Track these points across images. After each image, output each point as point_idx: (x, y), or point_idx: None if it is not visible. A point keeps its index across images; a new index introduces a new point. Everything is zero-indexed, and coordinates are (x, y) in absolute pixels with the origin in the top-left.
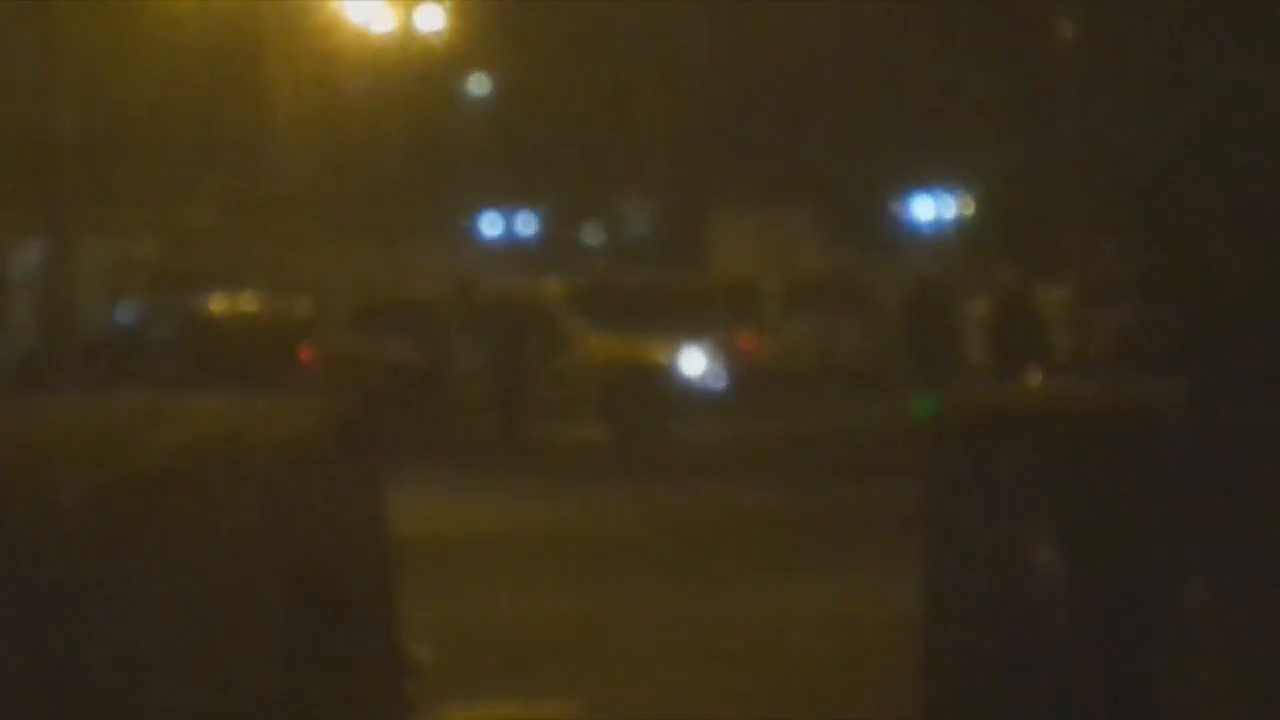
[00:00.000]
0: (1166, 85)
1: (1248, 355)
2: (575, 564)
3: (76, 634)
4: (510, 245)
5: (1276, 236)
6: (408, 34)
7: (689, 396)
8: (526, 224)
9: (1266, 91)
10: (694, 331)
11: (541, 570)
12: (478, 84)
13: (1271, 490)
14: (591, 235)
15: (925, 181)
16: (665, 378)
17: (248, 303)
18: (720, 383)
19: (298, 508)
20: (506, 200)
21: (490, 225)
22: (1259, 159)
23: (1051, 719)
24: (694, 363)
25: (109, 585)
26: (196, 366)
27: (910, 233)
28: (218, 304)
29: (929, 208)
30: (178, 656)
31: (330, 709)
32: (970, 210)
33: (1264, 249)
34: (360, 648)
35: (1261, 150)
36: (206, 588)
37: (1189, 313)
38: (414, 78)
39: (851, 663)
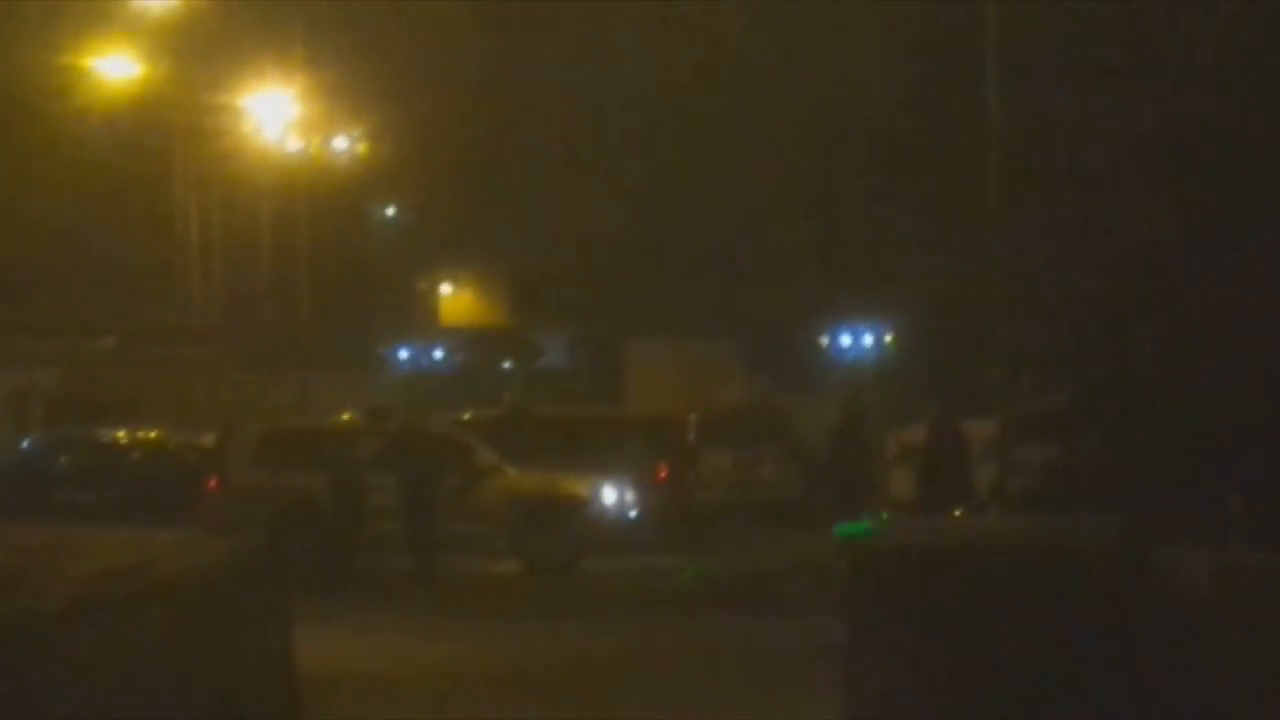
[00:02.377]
0: (1096, 214)
1: (1172, 494)
2: (485, 703)
3: None
4: (424, 375)
5: (1202, 374)
6: (318, 158)
7: (604, 530)
8: (440, 354)
9: (1191, 224)
10: (610, 464)
11: (450, 710)
12: (388, 210)
13: (1193, 625)
14: (507, 366)
15: (846, 315)
16: (580, 511)
17: (152, 433)
18: (636, 516)
19: (203, 643)
20: (422, 331)
21: (404, 355)
22: (1191, 293)
23: None
24: (610, 496)
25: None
26: (98, 498)
27: (831, 365)
28: (121, 435)
29: (849, 341)
30: None
31: None
32: (891, 343)
33: (1190, 385)
34: None
35: (1194, 284)
36: None
37: (1113, 449)
38: (324, 202)
39: None
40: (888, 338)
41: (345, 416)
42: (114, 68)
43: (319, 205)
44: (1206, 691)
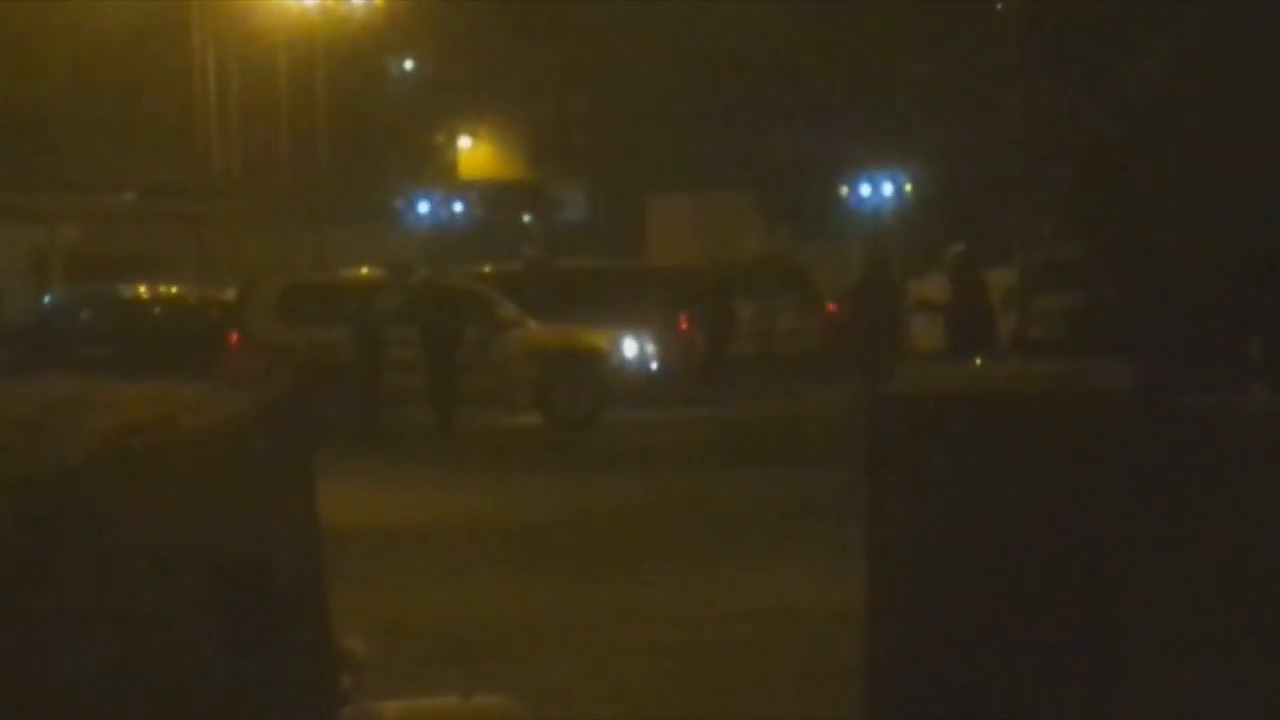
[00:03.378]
0: (1109, 61)
1: (1193, 338)
2: (511, 555)
3: None
4: (443, 230)
5: (1222, 217)
6: (335, 11)
7: (626, 382)
8: (460, 208)
9: (1211, 69)
10: (631, 316)
11: (476, 562)
12: (406, 63)
13: (1218, 472)
14: (527, 220)
15: (865, 165)
16: (602, 363)
17: (172, 288)
18: (658, 368)
19: (226, 497)
20: (439, 184)
21: (423, 209)
22: (1205, 137)
23: (1000, 715)
24: (631, 348)
25: (30, 577)
26: (120, 353)
27: (850, 216)
28: (142, 290)
29: (869, 191)
30: (103, 651)
31: (263, 701)
32: (910, 193)
33: (1210, 230)
34: (293, 640)
35: (1207, 128)
36: (132, 579)
37: (1134, 295)
38: (342, 55)
39: (795, 655)
40: (907, 187)
41: (364, 270)
42: None
43: (336, 59)
44: (1233, 539)
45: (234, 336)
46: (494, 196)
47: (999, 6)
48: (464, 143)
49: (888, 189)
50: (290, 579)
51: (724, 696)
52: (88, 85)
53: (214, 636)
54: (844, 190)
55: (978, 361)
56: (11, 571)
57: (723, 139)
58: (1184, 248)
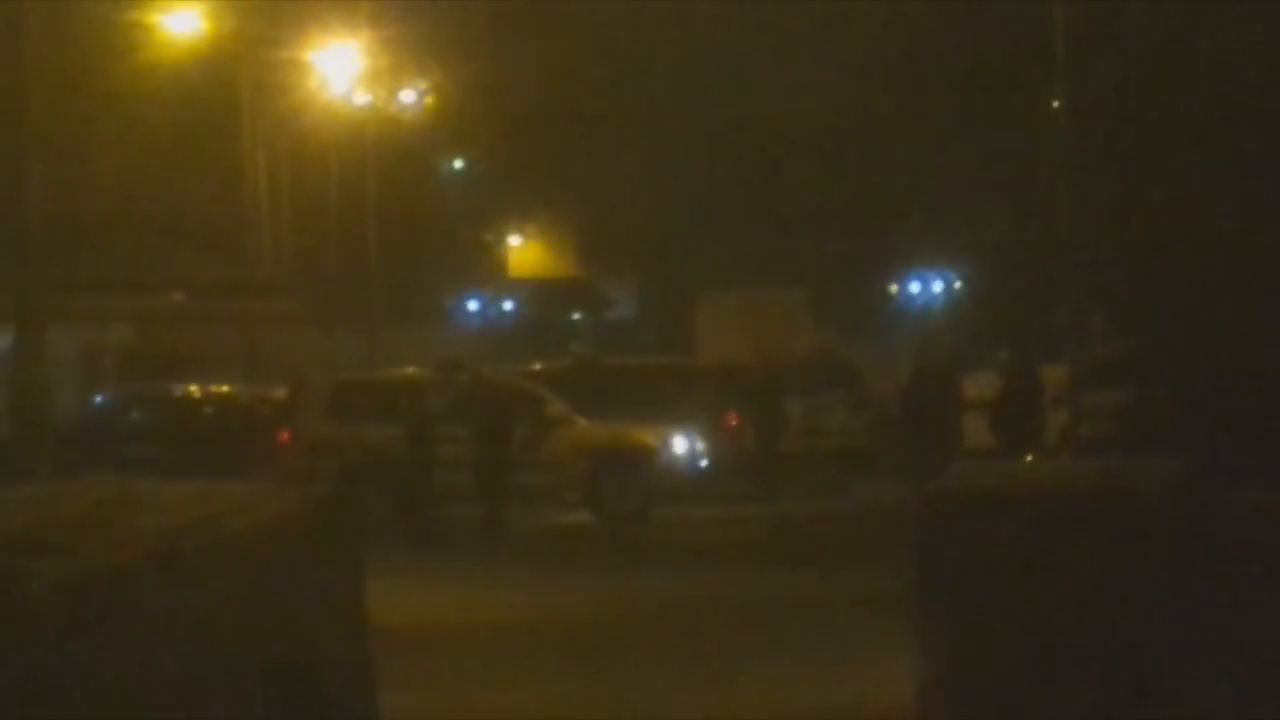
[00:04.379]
0: (1161, 159)
1: (1247, 435)
2: (559, 654)
3: None
4: (493, 328)
5: (1273, 315)
6: (385, 111)
7: (675, 480)
8: (509, 306)
9: (1252, 160)
10: (680, 414)
11: (524, 661)
12: (456, 163)
13: (1268, 569)
14: (576, 318)
15: (915, 263)
16: (651, 461)
17: (223, 388)
18: (707, 465)
19: (275, 595)
20: (489, 283)
21: (473, 307)
22: (1252, 232)
23: None
24: (680, 446)
25: (80, 675)
26: (171, 453)
27: (900, 313)
28: (192, 389)
29: (918, 288)
30: None
31: None
32: (960, 290)
33: (1261, 328)
34: None
35: (1253, 223)
36: (181, 676)
37: (1186, 393)
38: (392, 155)
39: None
40: (956, 284)
41: (413, 369)
42: (180, 23)
43: (386, 159)
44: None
45: (284, 435)
46: (543, 294)
47: (1054, 105)
48: (513, 240)
49: (937, 286)
50: (339, 678)
51: None
52: (139, 187)
53: None
54: (893, 288)
55: (1028, 459)
56: (61, 670)
57: (771, 237)
58: (1239, 345)
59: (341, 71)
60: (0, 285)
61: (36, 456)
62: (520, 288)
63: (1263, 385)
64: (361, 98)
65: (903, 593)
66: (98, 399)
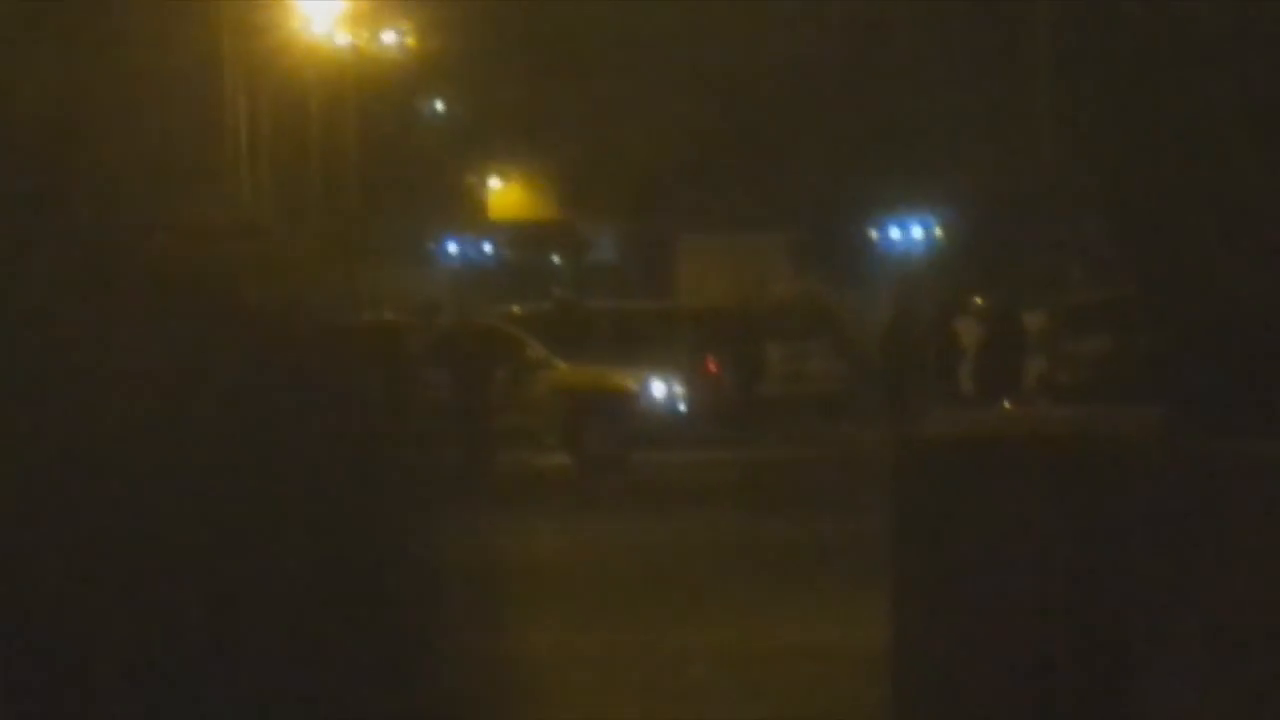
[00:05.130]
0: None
1: (1228, 386)
2: (540, 597)
3: None
4: (473, 270)
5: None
6: (366, 52)
7: (655, 423)
8: (489, 249)
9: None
10: (660, 357)
11: (507, 604)
12: (437, 104)
13: (1244, 518)
14: (556, 261)
15: (896, 207)
16: (632, 404)
17: None
18: (686, 409)
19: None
20: (469, 225)
21: (453, 250)
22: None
23: None
24: (659, 390)
25: None
26: None
27: (880, 259)
28: None
29: (899, 234)
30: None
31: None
32: (941, 236)
33: (1242, 272)
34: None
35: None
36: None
37: (1166, 340)
38: (373, 96)
39: (818, 696)
40: (937, 230)
41: (390, 315)
42: None
43: (367, 100)
44: (1255, 586)
45: None
46: (523, 237)
47: (1033, 45)
48: (494, 183)
49: (918, 232)
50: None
51: None
52: (115, 129)
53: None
54: (874, 233)
55: (1005, 405)
56: None
57: (752, 180)
58: (1226, 291)
59: (323, 11)
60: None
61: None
62: (500, 230)
63: (1250, 332)
64: (343, 38)
65: (880, 537)
66: None
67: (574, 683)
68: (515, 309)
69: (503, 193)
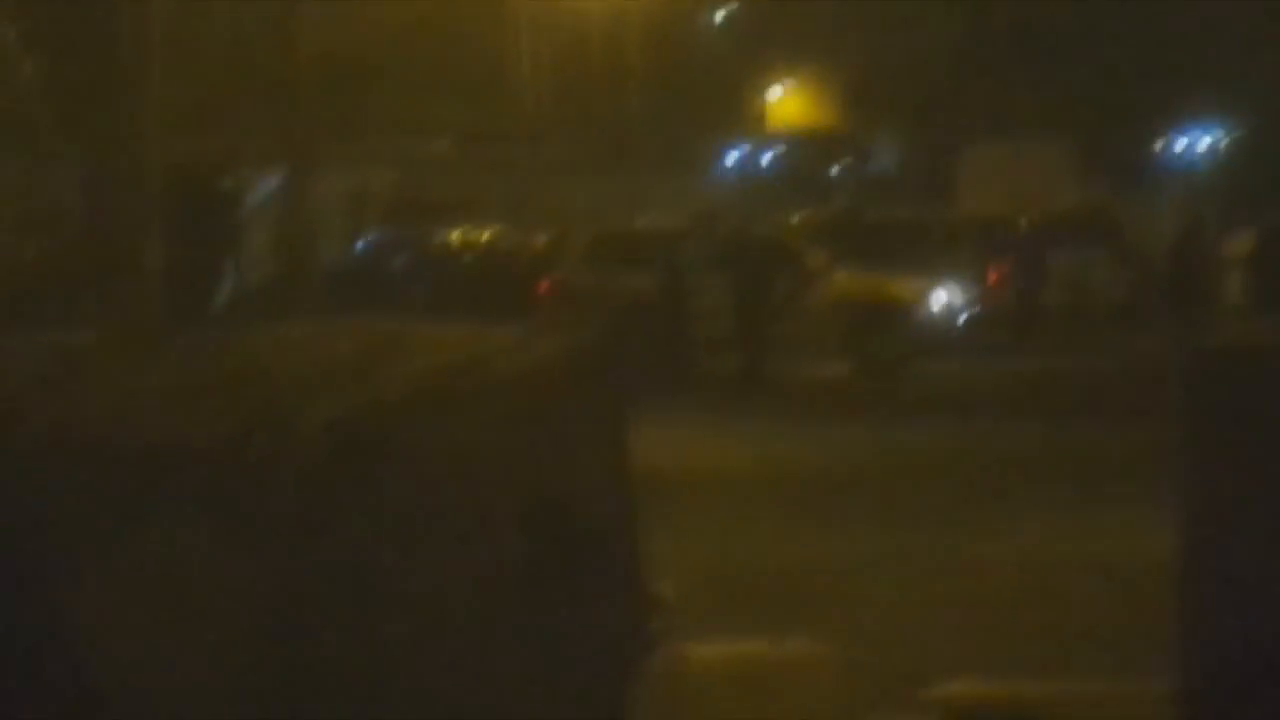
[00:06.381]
0: None
1: None
2: (818, 503)
3: (313, 563)
4: (752, 179)
5: None
6: None
7: (935, 333)
8: (769, 158)
9: None
10: (942, 267)
11: (784, 509)
12: (719, 12)
13: None
14: (837, 170)
15: (1184, 116)
16: (911, 314)
17: (485, 235)
18: (968, 319)
19: (540, 440)
20: (751, 133)
21: (733, 158)
22: None
23: None
24: (940, 299)
25: (348, 515)
26: (433, 298)
27: (1167, 168)
28: (455, 235)
29: (1188, 143)
30: (417, 588)
31: (571, 644)
32: (1232, 146)
33: None
34: (603, 583)
35: None
36: (445, 519)
37: None
38: (657, 2)
39: (1110, 609)
40: (1225, 140)
41: (673, 219)
42: None
43: (650, 6)
44: None
45: (544, 284)
46: (803, 146)
47: None
48: (774, 92)
49: (1205, 141)
50: (600, 522)
51: (1032, 646)
52: (403, 33)
53: (524, 579)
54: (1160, 143)
55: None
56: (330, 509)
57: (1037, 87)
58: None
59: None
60: (267, 127)
61: (301, 297)
62: (780, 139)
63: None
64: None
65: (1169, 449)
66: (359, 244)
67: (856, 589)
68: (795, 218)
69: (783, 102)
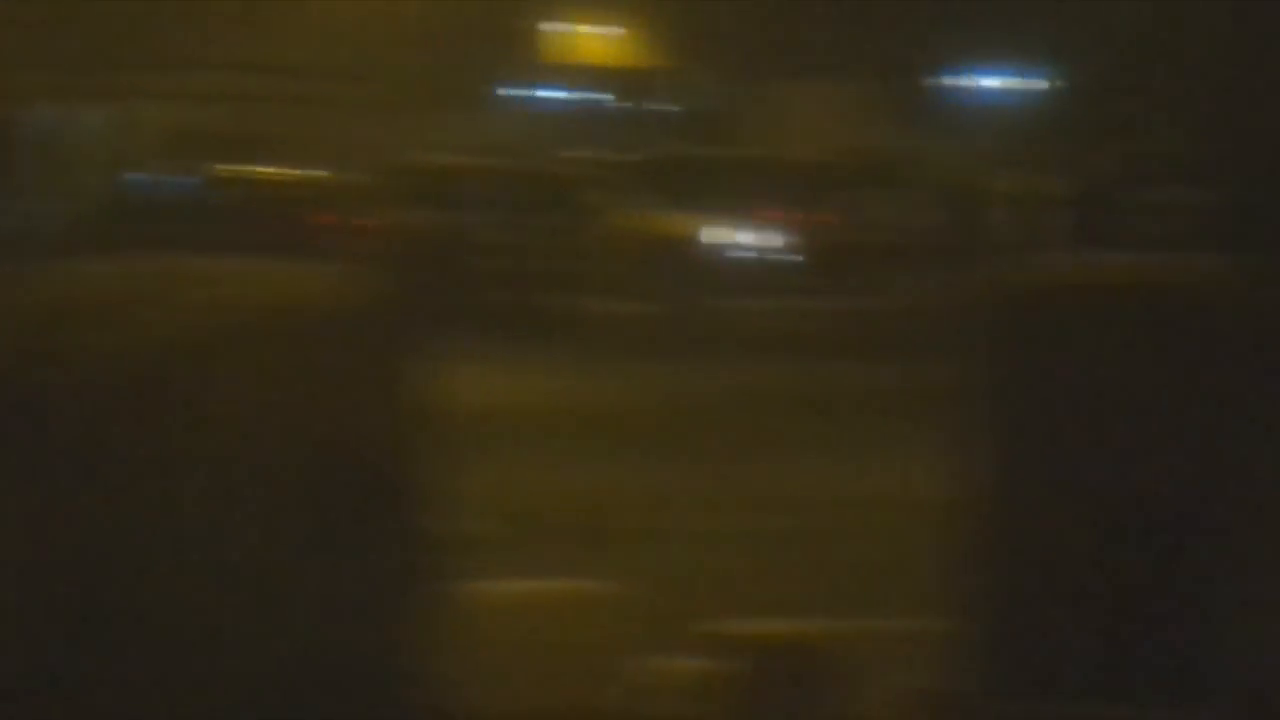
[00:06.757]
0: None
1: None
2: (609, 441)
3: (88, 505)
4: (548, 114)
5: None
6: None
7: (724, 272)
8: (565, 96)
9: None
10: (733, 207)
11: (568, 446)
12: None
13: None
14: (632, 107)
15: (991, 58)
16: (698, 252)
17: (269, 171)
18: (759, 258)
19: (326, 380)
20: (545, 71)
21: (531, 94)
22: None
23: (1101, 610)
24: (729, 238)
25: (125, 455)
26: (214, 234)
27: (972, 109)
28: (238, 171)
29: (993, 85)
30: (198, 533)
31: (363, 587)
32: (1035, 89)
33: None
34: (394, 525)
35: None
36: (228, 462)
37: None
38: None
39: (887, 544)
40: (1028, 83)
41: (464, 157)
42: None
43: None
44: None
45: (328, 220)
46: (602, 83)
47: None
48: (574, 29)
49: (1011, 84)
50: (389, 463)
51: (813, 583)
52: None
53: (319, 523)
54: (966, 84)
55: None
56: (106, 448)
57: (840, 25)
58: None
59: None
60: (45, 58)
61: (80, 233)
62: (578, 76)
63: None
64: None
65: (962, 390)
66: (141, 178)
67: (637, 526)
68: (588, 155)
69: (582, 39)
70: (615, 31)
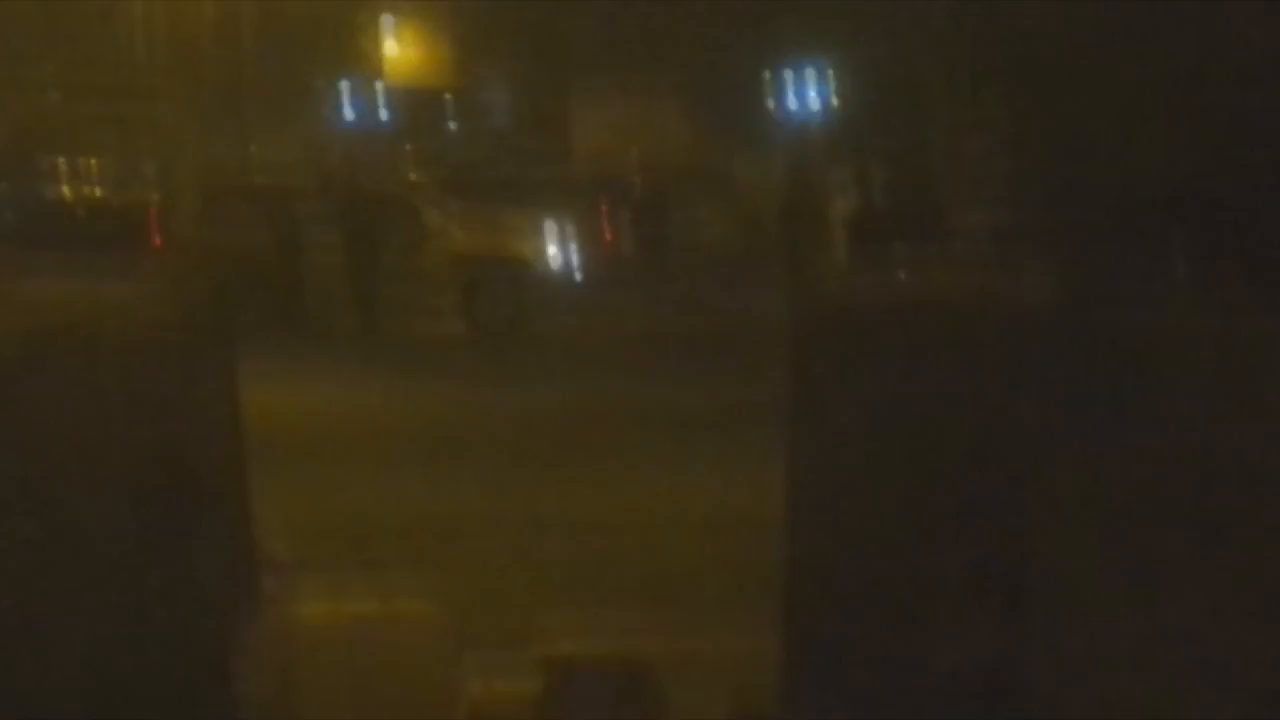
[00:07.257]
0: None
1: (1115, 254)
2: (431, 461)
3: None
4: (374, 134)
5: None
6: None
7: (551, 292)
8: (386, 114)
9: None
10: (556, 226)
11: (397, 467)
12: None
13: (1135, 386)
14: (453, 126)
15: (804, 63)
16: (526, 272)
17: (98, 190)
18: (583, 277)
19: (150, 397)
20: (370, 86)
21: (353, 113)
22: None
23: (918, 621)
24: (556, 256)
25: None
26: (42, 254)
27: (783, 117)
28: (67, 190)
29: (807, 93)
30: (17, 548)
31: (183, 606)
32: (848, 98)
33: (1142, 153)
34: (214, 544)
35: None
36: (48, 486)
37: (1058, 214)
38: None
39: (713, 560)
40: (841, 92)
41: (288, 177)
42: None
43: None
44: (1145, 451)
45: (156, 239)
46: (423, 99)
47: None
48: (391, 43)
49: (825, 92)
50: (210, 481)
51: (639, 600)
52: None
53: (133, 543)
54: (778, 91)
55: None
56: None
57: (652, 33)
58: (1114, 169)
59: None
60: None
61: None
62: (397, 91)
63: (1132, 201)
64: None
65: (777, 407)
66: None
67: (466, 547)
68: (412, 175)
69: (401, 54)
70: (427, 50)
